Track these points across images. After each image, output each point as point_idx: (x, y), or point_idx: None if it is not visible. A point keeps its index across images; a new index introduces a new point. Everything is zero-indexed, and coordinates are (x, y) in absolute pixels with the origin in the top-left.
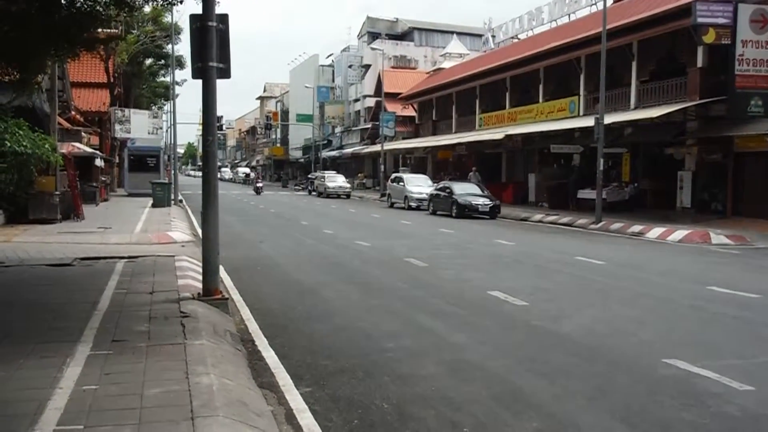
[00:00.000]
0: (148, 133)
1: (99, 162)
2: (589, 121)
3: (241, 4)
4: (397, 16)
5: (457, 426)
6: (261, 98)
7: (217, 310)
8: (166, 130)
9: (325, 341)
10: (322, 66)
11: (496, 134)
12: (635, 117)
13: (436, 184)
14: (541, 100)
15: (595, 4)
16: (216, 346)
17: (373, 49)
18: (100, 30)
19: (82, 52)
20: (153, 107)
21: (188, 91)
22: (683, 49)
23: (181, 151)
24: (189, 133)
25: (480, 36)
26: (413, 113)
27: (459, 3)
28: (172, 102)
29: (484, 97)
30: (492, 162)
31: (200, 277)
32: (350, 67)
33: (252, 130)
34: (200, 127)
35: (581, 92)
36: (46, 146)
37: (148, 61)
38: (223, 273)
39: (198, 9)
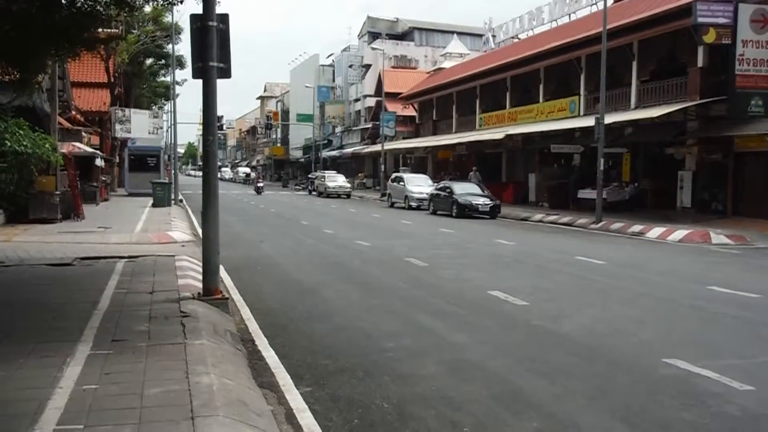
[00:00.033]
0: (149, 133)
1: (99, 162)
2: (589, 121)
3: (241, 4)
4: (398, 16)
5: (457, 426)
6: (261, 98)
7: (218, 309)
8: (167, 130)
9: (326, 341)
10: (323, 66)
11: (497, 134)
12: (635, 117)
13: (436, 184)
14: (541, 99)
15: (596, 3)
16: (216, 345)
17: (373, 48)
18: (100, 30)
19: (82, 51)
20: (153, 107)
21: (189, 91)
22: (684, 48)
23: (181, 150)
24: (189, 132)
25: (480, 36)
26: (413, 113)
27: (459, 3)
28: (172, 102)
29: (485, 96)
30: (492, 162)
31: (200, 277)
32: (350, 66)
33: (252, 130)
34: (200, 127)
35: (581, 92)
36: (47, 146)
37: (149, 61)
38: (223, 273)
39: (198, 9)
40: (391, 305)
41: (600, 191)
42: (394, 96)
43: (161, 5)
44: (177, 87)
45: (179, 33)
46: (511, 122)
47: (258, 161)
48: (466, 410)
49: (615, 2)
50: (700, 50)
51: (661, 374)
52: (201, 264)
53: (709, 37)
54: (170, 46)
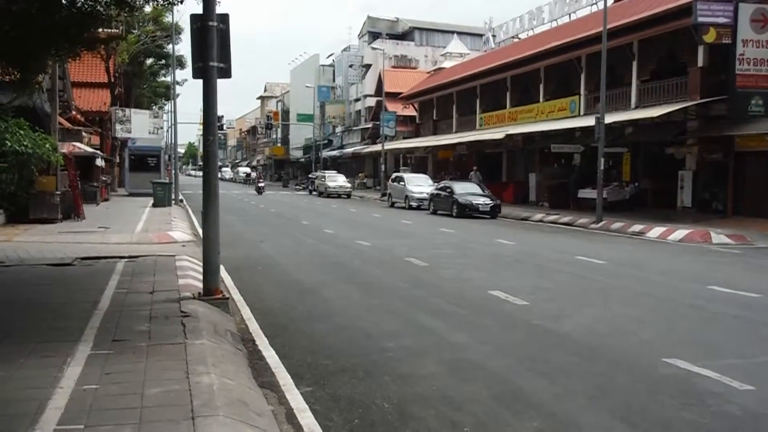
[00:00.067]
0: (149, 133)
1: (100, 162)
2: (589, 121)
3: (241, 4)
4: (398, 16)
5: (458, 425)
6: (262, 98)
7: (218, 309)
8: (167, 130)
9: (326, 341)
10: (323, 66)
11: (497, 134)
12: (636, 116)
13: (436, 184)
14: (541, 99)
15: (596, 3)
16: (216, 345)
17: (373, 48)
18: (100, 30)
19: (82, 51)
20: (154, 107)
21: (189, 91)
22: (684, 48)
23: (181, 150)
24: (190, 132)
25: (480, 36)
26: (414, 113)
27: (459, 3)
28: (172, 102)
29: (485, 96)
30: (492, 161)
31: (201, 277)
32: (351, 66)
33: (253, 130)
34: (201, 127)
35: (582, 92)
36: (47, 146)
37: (149, 61)
38: (223, 272)
39: (198, 9)
40: (391, 305)
41: (600, 191)
42: (394, 96)
43: (161, 5)
44: (177, 87)
45: (179, 33)
46: (512, 122)
47: (258, 161)
48: (466, 410)
49: (615, 2)
50: (701, 50)
51: (662, 374)
52: (201, 264)
53: (710, 37)
54: (170, 46)
